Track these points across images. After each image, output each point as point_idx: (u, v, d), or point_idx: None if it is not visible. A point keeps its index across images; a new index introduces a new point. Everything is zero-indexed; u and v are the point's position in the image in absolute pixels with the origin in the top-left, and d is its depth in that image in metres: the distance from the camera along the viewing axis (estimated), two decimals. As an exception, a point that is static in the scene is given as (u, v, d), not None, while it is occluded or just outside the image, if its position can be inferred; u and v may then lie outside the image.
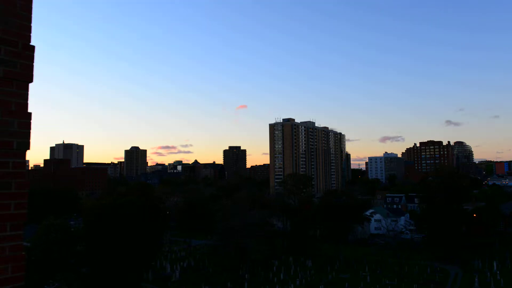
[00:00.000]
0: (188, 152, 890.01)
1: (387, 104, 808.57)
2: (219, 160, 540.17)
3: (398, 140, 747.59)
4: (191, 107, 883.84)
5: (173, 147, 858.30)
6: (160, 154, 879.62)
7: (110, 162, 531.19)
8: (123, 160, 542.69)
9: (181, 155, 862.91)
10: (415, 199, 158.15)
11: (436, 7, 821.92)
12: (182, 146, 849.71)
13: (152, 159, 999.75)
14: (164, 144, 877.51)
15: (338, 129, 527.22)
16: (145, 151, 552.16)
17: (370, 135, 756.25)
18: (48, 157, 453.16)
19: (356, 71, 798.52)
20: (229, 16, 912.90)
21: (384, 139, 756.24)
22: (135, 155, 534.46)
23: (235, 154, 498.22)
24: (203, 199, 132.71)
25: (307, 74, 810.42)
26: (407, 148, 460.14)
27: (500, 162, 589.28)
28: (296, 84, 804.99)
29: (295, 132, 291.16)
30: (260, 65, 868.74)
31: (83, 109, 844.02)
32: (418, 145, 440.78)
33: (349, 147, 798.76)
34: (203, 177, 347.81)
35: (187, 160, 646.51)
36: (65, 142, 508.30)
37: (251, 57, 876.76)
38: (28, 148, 3.59)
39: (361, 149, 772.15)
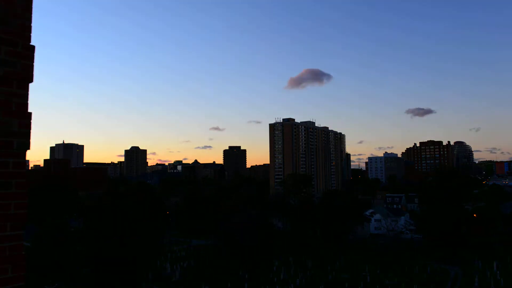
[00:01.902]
0: (209, 147, 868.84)
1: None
2: (219, 160, 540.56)
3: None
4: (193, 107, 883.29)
5: (189, 141, 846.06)
6: (170, 151, 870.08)
7: (110, 162, 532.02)
8: (123, 160, 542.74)
9: (198, 151, 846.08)
10: (415, 199, 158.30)
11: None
12: (205, 140, 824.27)
13: (158, 158, 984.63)
14: (173, 141, 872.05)
15: (338, 129, 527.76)
16: (145, 151, 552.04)
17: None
18: (48, 157, 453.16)
19: (356, 69, 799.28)
20: (231, 13, 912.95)
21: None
22: (135, 155, 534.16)
23: (235, 154, 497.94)
24: (203, 199, 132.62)
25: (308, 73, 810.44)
26: (407, 148, 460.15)
27: (500, 162, 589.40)
28: (296, 84, 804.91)
29: (295, 132, 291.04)
30: (260, 64, 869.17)
31: (83, 109, 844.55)
32: (418, 145, 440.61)
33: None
34: (203, 177, 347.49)
35: (186, 160, 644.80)
36: (65, 142, 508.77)
37: (251, 55, 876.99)
38: (28, 148, 3.59)
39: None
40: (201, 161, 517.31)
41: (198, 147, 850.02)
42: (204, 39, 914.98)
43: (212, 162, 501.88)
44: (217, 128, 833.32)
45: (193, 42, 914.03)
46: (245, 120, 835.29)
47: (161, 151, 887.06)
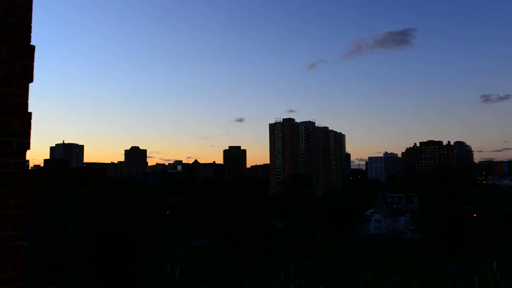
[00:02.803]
0: (214, 145, 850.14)
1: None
2: (219, 160, 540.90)
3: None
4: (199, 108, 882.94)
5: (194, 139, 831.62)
6: (169, 149, 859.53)
7: (110, 162, 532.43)
8: (123, 160, 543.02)
9: (203, 148, 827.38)
10: (415, 199, 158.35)
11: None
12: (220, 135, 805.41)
13: (160, 156, 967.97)
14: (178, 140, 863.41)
15: (339, 129, 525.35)
16: (145, 151, 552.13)
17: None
18: (48, 157, 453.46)
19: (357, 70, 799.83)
20: (236, 14, 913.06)
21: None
22: (135, 155, 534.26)
23: (235, 154, 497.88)
24: (203, 199, 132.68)
25: (307, 73, 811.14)
26: (407, 148, 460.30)
27: (500, 162, 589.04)
28: (296, 84, 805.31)
29: (295, 132, 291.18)
30: (260, 63, 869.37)
31: (83, 109, 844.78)
32: (418, 145, 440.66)
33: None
34: (203, 177, 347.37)
35: (188, 159, 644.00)
36: (65, 142, 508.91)
37: (252, 56, 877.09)
38: (28, 148, 3.58)
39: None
40: (201, 161, 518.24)
41: (203, 145, 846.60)
42: (204, 36, 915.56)
43: (212, 162, 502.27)
44: (240, 120, 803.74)
45: (194, 38, 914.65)
46: (268, 113, 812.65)
47: (163, 150, 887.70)
